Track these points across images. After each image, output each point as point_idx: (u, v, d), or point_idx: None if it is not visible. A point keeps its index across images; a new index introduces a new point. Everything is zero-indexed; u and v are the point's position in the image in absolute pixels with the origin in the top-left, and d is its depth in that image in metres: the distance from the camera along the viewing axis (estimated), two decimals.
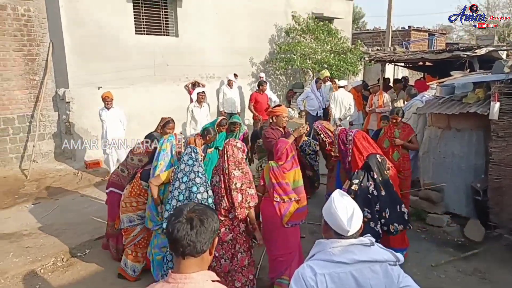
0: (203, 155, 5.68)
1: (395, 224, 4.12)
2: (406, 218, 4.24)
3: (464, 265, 4.72)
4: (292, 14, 12.17)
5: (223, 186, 3.67)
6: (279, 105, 5.14)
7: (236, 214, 3.65)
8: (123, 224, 4.27)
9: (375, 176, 4.17)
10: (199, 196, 3.55)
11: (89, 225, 5.55)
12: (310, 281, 1.86)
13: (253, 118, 9.54)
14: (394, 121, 5.67)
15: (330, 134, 5.44)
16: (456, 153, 5.86)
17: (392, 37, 15.15)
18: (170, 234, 1.56)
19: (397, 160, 5.54)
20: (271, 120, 4.86)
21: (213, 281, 1.59)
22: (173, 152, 4.09)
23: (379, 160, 4.28)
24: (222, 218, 3.64)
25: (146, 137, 4.60)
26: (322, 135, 5.49)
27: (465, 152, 5.80)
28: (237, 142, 3.82)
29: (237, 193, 3.62)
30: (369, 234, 2.02)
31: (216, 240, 1.64)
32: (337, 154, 5.13)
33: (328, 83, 9.66)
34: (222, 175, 3.69)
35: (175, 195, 3.66)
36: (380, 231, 4.08)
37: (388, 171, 4.37)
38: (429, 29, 19.17)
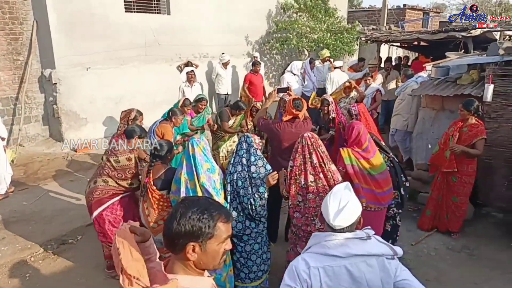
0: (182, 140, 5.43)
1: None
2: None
3: (454, 243, 4.86)
4: None
5: (326, 184, 3.18)
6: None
7: None
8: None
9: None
10: (261, 189, 3.28)
11: (80, 211, 5.44)
12: (303, 274, 1.86)
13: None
14: (462, 113, 4.70)
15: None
16: None
17: (387, 16, 14.95)
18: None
19: (448, 157, 4.80)
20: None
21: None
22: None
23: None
24: None
25: (127, 133, 4.07)
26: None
27: None
28: (312, 136, 3.35)
29: None
30: (369, 227, 2.00)
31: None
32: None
33: (327, 63, 9.53)
34: (321, 173, 3.20)
35: (234, 180, 3.37)
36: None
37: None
38: (423, 7, 19.03)
